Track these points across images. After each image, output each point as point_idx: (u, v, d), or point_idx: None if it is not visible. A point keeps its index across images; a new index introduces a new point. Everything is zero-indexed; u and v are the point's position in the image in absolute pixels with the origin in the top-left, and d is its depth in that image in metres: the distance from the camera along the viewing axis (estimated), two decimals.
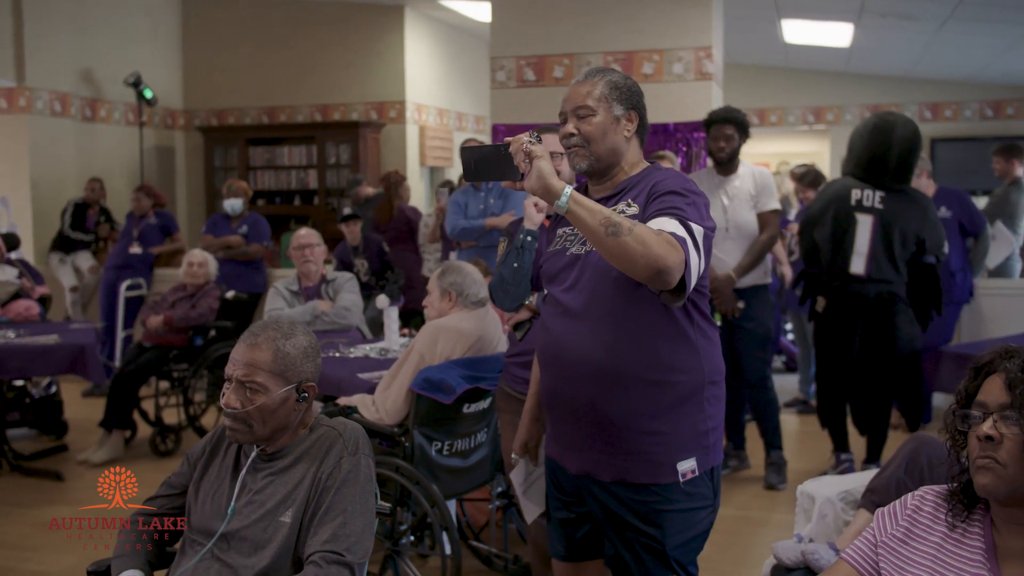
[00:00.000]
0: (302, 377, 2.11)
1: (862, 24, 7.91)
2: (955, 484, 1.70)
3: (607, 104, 2.26)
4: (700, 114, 6.17)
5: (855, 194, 4.75)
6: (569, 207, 2.03)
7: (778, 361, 7.77)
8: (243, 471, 2.10)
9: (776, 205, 4.93)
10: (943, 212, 5.66)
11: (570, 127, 2.27)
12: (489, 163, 2.11)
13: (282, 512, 2.03)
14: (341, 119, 9.43)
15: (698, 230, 2.09)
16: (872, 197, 4.72)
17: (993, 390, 1.61)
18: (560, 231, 2.39)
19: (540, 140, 2.09)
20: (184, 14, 9.82)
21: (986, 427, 1.58)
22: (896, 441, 5.47)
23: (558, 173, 2.11)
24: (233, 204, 7.04)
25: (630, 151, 2.32)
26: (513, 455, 2.69)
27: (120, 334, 7.04)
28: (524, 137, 2.07)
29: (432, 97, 9.93)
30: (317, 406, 3.45)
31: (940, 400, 6.34)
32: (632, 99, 2.31)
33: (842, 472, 4.83)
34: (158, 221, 7.45)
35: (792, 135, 11.72)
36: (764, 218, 4.86)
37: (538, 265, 2.97)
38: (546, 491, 2.52)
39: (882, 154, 4.71)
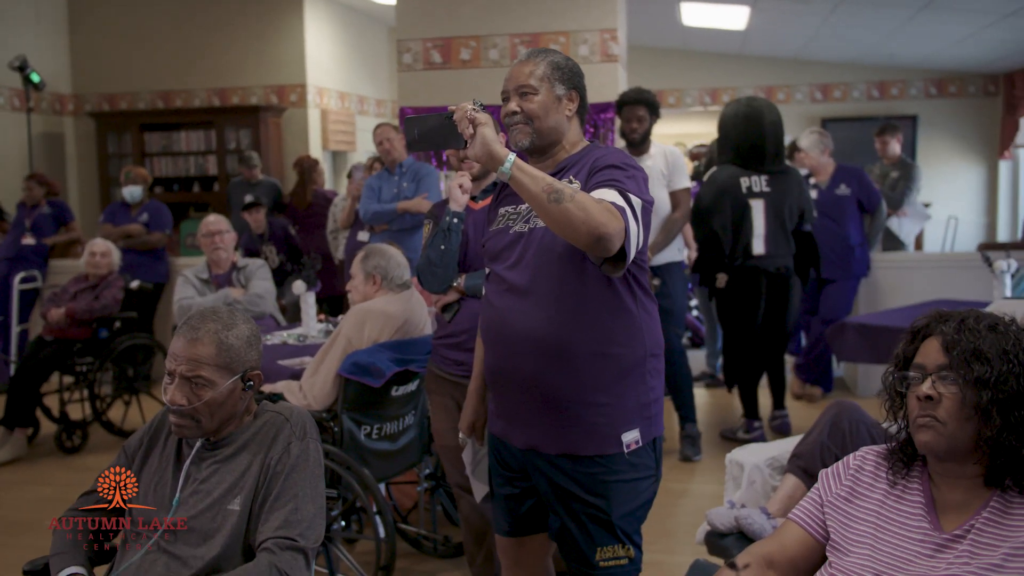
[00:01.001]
0: (247, 366, 2.07)
1: (758, 7, 8.11)
2: (894, 443, 1.78)
3: (549, 83, 2.30)
4: (607, 96, 6.26)
5: (744, 182, 5.03)
6: (513, 173, 2.05)
7: (684, 337, 7.93)
8: (187, 462, 2.05)
9: (687, 183, 5.05)
10: (843, 189, 5.89)
11: (512, 105, 2.30)
12: (433, 132, 2.12)
13: (230, 500, 1.99)
14: (240, 103, 9.20)
15: (637, 201, 2.14)
16: (759, 182, 5.03)
17: (930, 352, 1.68)
18: (502, 210, 2.40)
19: (484, 108, 2.11)
20: None
21: (925, 387, 1.65)
22: (798, 410, 5.73)
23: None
24: (132, 191, 6.82)
25: (571, 130, 2.36)
26: (461, 436, 2.70)
27: (15, 329, 6.75)
28: (468, 105, 2.09)
29: (333, 80, 9.78)
30: None
31: (842, 371, 6.61)
32: (573, 79, 2.35)
33: (754, 439, 5.01)
34: (51, 211, 7.15)
35: (689, 116, 11.94)
36: (676, 196, 4.97)
37: (482, 244, 2.99)
38: (489, 468, 2.53)
39: (760, 142, 5.05)
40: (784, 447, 2.89)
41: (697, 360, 6.99)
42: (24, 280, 6.83)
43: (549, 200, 2.02)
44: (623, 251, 2.09)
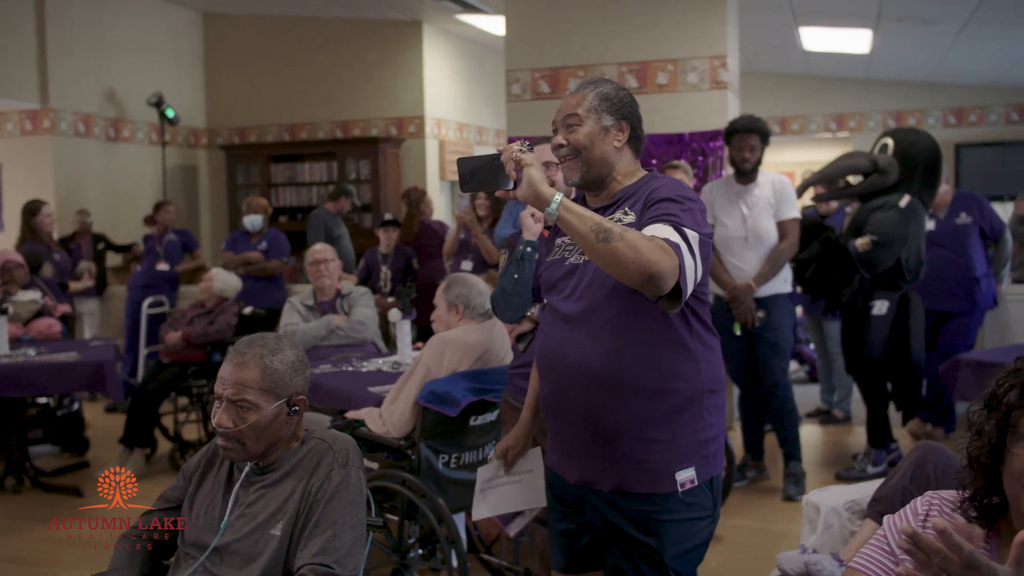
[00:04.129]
0: (292, 391, 2.11)
1: (880, 29, 7.85)
2: (972, 496, 1.61)
3: (596, 114, 2.27)
4: (715, 123, 6.17)
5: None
6: (560, 214, 2.04)
7: (801, 371, 7.69)
8: (236, 486, 2.11)
9: (796, 213, 4.91)
10: (963, 218, 5.61)
11: (559, 138, 2.29)
12: (482, 173, 2.14)
13: (273, 525, 2.03)
14: (361, 135, 9.49)
15: (693, 236, 2.09)
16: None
17: None
18: (558, 241, 2.39)
19: (532, 149, 2.11)
20: (206, 34, 9.94)
21: None
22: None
23: (552, 184, 2.13)
24: (253, 220, 7.09)
25: (622, 161, 2.32)
26: (491, 454, 2.71)
27: (143, 351, 7.10)
28: (515, 146, 2.10)
29: (451, 111, 9.97)
30: (323, 419, 3.47)
31: (962, 408, 6.26)
32: (623, 109, 2.31)
33: (881, 473, 4.84)
34: (178, 239, 7.52)
35: (814, 143, 11.63)
36: (784, 226, 4.84)
37: (538, 275, 2.98)
38: (547, 502, 2.50)
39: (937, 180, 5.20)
40: (865, 490, 2.75)
41: (811, 395, 6.76)
42: (152, 305, 7.19)
43: (598, 240, 2.00)
44: (679, 288, 2.05)
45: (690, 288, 2.08)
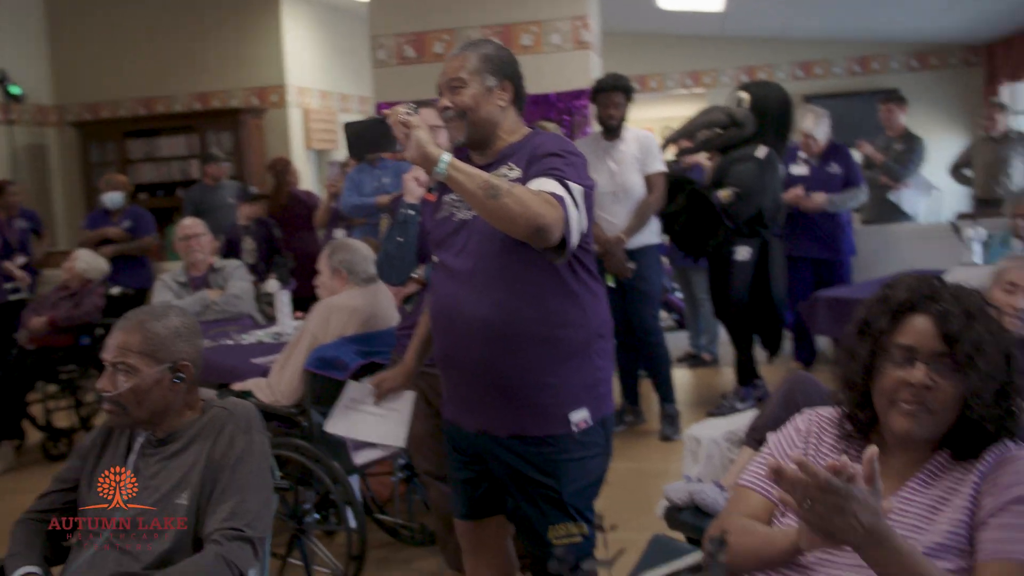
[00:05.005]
0: (175, 357, 2.11)
1: None
2: (849, 411, 1.73)
3: (479, 76, 2.32)
4: (580, 83, 6.29)
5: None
6: (448, 173, 2.09)
7: (670, 319, 7.96)
8: (133, 457, 2.09)
9: (662, 167, 5.07)
10: (834, 168, 5.84)
11: (445, 100, 2.33)
12: (369, 136, 2.17)
13: (178, 495, 2.03)
14: (221, 106, 9.22)
15: (577, 188, 2.17)
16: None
17: (921, 335, 1.60)
18: (446, 198, 2.44)
19: (417, 111, 2.14)
20: (49, 5, 9.45)
21: (920, 375, 1.58)
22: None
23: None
24: (112, 198, 6.81)
25: (507, 119, 2.38)
26: (366, 379, 2.82)
27: None
28: (401, 109, 2.13)
29: (314, 80, 9.80)
30: (209, 394, 3.44)
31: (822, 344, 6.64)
32: (505, 69, 2.37)
33: (759, 397, 5.11)
34: (28, 224, 7.12)
35: (672, 99, 11.95)
36: (651, 180, 5.00)
37: (426, 234, 3.03)
38: (448, 453, 2.57)
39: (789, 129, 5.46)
40: (741, 422, 2.92)
41: (680, 341, 7.02)
42: (12, 292, 6.85)
43: (486, 196, 2.07)
44: (565, 238, 2.13)
45: (575, 239, 2.17)
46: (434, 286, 2.43)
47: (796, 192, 5.68)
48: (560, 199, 2.11)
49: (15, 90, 8.33)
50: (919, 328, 1.62)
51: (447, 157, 2.11)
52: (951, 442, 1.63)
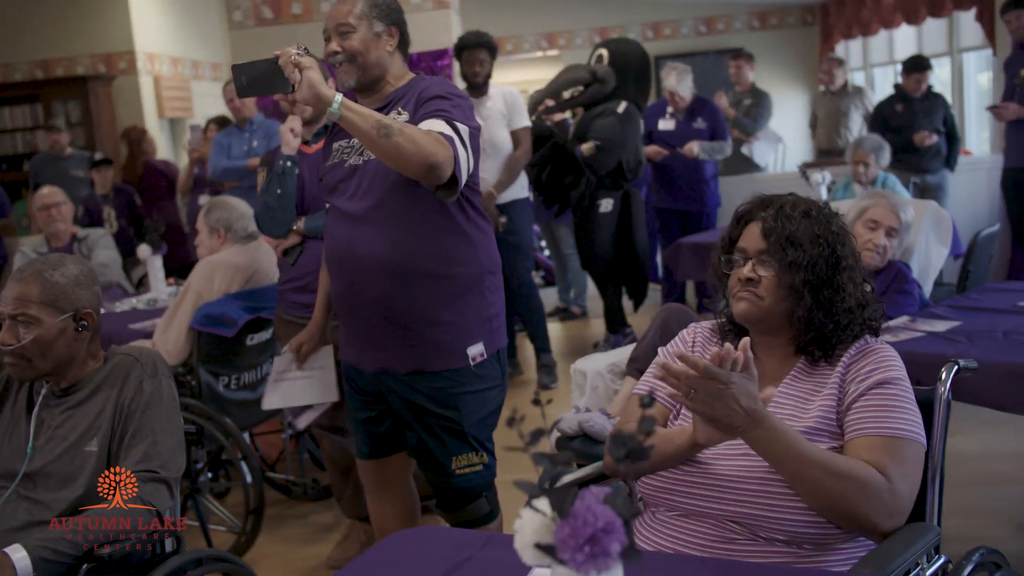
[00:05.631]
0: (77, 306, 2.10)
1: None
2: (723, 318, 1.95)
3: (368, 21, 2.37)
4: (441, 42, 6.34)
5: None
6: (341, 113, 2.14)
7: (537, 276, 8.15)
8: (36, 408, 2.08)
9: (527, 122, 5.19)
10: (699, 123, 6.07)
11: (333, 45, 2.37)
12: (261, 78, 2.18)
13: (87, 442, 2.04)
14: (65, 74, 8.81)
15: (464, 129, 2.26)
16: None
17: (751, 237, 1.84)
18: (336, 144, 2.48)
19: (308, 52, 2.18)
20: None
21: (746, 270, 1.81)
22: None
23: None
24: None
25: (394, 64, 2.44)
26: (284, 348, 2.84)
27: None
28: (292, 50, 2.16)
29: (164, 46, 9.47)
30: None
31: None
32: (391, 15, 2.43)
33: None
34: None
35: (529, 63, 12.11)
36: (518, 135, 5.11)
37: (302, 188, 3.07)
38: (347, 395, 2.64)
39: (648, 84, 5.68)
40: (623, 354, 3.09)
41: (549, 297, 7.22)
42: None
43: (379, 136, 2.13)
44: (455, 177, 2.22)
45: (464, 177, 2.27)
46: (329, 230, 2.48)
47: (656, 148, 5.91)
48: (449, 139, 2.20)
49: None
50: (750, 233, 1.85)
51: (339, 97, 2.16)
52: (805, 349, 1.82)
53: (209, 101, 10.18)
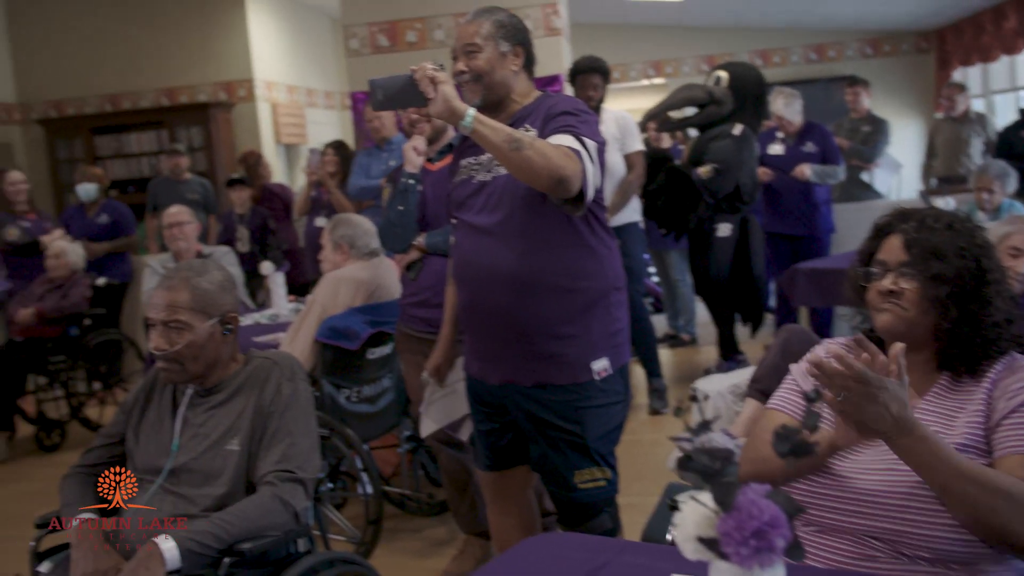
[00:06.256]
0: (223, 310, 2.19)
1: None
2: (858, 333, 1.91)
3: (494, 41, 2.42)
4: (552, 69, 6.41)
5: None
6: (474, 126, 2.19)
7: (647, 302, 8.08)
8: (182, 407, 2.17)
9: (640, 146, 5.20)
10: (809, 147, 5.97)
11: (460, 65, 2.42)
12: (398, 93, 2.24)
13: (228, 441, 2.11)
14: (189, 101, 9.20)
15: (591, 144, 2.29)
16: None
17: (892, 249, 1.80)
18: (464, 162, 2.53)
19: (443, 68, 2.24)
20: (8, 3, 9.36)
21: (887, 282, 1.78)
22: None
23: None
24: (87, 189, 6.74)
25: (519, 83, 2.49)
26: (423, 375, 2.86)
27: None
28: (428, 65, 2.22)
29: (281, 74, 9.82)
30: None
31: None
32: (517, 35, 2.47)
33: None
34: None
35: (635, 91, 12.12)
36: (631, 159, 5.13)
37: (423, 204, 3.14)
38: (470, 407, 2.67)
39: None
40: (745, 375, 3.04)
41: (659, 323, 7.16)
42: None
43: (510, 148, 2.17)
44: (582, 192, 2.24)
45: (591, 192, 2.29)
46: (457, 243, 2.53)
47: (765, 170, 5.83)
48: (577, 153, 2.23)
49: None
50: (891, 245, 1.81)
51: (472, 111, 2.20)
52: (949, 364, 1.77)
53: (323, 128, 10.50)
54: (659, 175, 5.43)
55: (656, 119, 5.72)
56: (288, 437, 2.09)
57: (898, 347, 1.58)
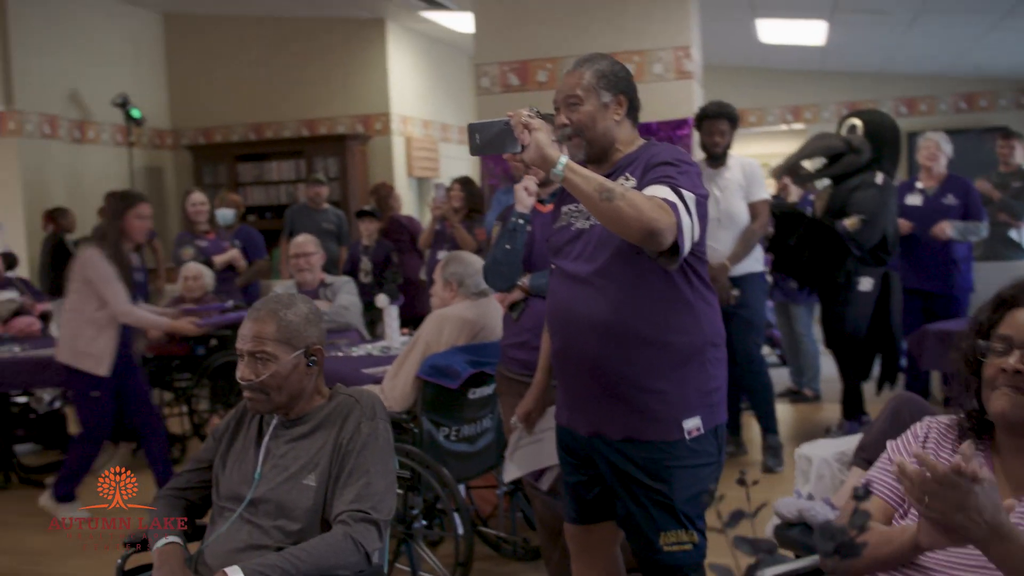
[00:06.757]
0: (308, 342, 2.21)
1: (835, 21, 8.08)
2: (963, 413, 1.76)
3: (595, 92, 2.38)
4: (682, 113, 6.34)
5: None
6: (565, 175, 2.16)
7: (773, 355, 7.86)
8: (266, 437, 2.21)
9: (766, 195, 5.07)
10: (950, 199, 5.68)
11: (562, 118, 2.40)
12: (493, 137, 2.24)
13: (305, 475, 2.13)
14: (327, 133, 9.54)
15: (690, 196, 2.22)
16: None
17: (1018, 324, 1.67)
18: (564, 208, 2.51)
19: (539, 114, 2.22)
20: (167, 35, 9.94)
21: (1013, 360, 1.63)
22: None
23: None
24: (224, 214, 7.06)
25: (622, 132, 2.44)
26: (513, 419, 2.83)
27: None
28: (524, 111, 2.21)
29: (416, 109, 10.06)
30: None
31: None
32: (620, 84, 2.43)
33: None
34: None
35: (771, 136, 11.88)
36: (755, 207, 5.00)
37: (531, 245, 3.12)
38: (552, 457, 2.62)
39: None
40: (852, 443, 2.90)
41: (781, 377, 6.94)
42: None
43: (601, 199, 2.13)
44: (677, 244, 2.18)
45: (688, 245, 2.22)
46: (552, 290, 2.50)
47: (904, 222, 5.57)
48: (673, 205, 2.17)
49: (136, 114, 8.77)
50: (1015, 319, 1.67)
51: (564, 159, 2.18)
52: None
53: (456, 163, 10.68)
54: (796, 229, 5.26)
55: (791, 172, 5.55)
56: (364, 476, 2.09)
57: (967, 448, 1.45)
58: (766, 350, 7.01)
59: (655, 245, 2.15)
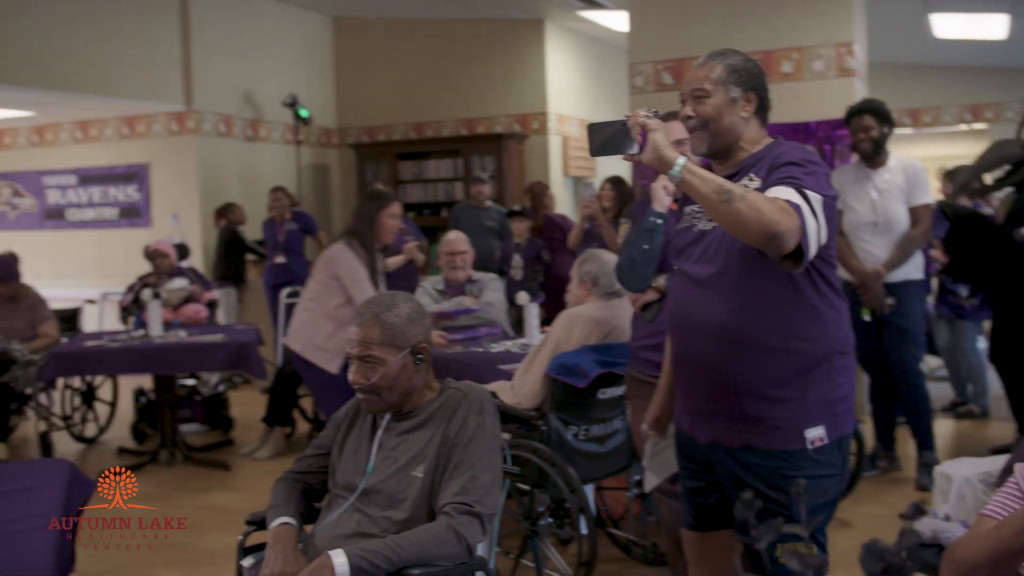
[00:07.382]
0: (413, 341, 2.25)
1: (1018, 13, 7.58)
2: None
3: (724, 86, 2.32)
4: (842, 111, 6.09)
5: None
6: (683, 176, 2.11)
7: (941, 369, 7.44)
8: (379, 431, 2.26)
9: (929, 199, 4.80)
10: None
11: (687, 110, 2.35)
12: (610, 138, 2.22)
13: (414, 467, 2.18)
14: (485, 132, 9.70)
15: (815, 198, 2.13)
16: None
17: None
18: (687, 209, 2.46)
19: (657, 115, 2.19)
20: (336, 37, 10.34)
21: None
22: None
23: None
24: None
25: (749, 130, 2.36)
26: (644, 426, 2.78)
27: (281, 339, 7.42)
28: (641, 112, 2.17)
29: (573, 108, 10.08)
30: None
31: None
32: (751, 80, 2.35)
33: None
34: (298, 225, 7.78)
35: (948, 136, 11.27)
36: (916, 212, 4.75)
37: (666, 246, 3.06)
38: (677, 462, 2.58)
39: None
40: (999, 462, 2.72)
41: (945, 390, 6.57)
42: (290, 295, 7.51)
43: (720, 200, 2.07)
44: (801, 248, 2.10)
45: (812, 248, 2.13)
46: (673, 292, 2.46)
47: None
48: (796, 207, 2.08)
49: (304, 113, 9.17)
50: None
51: (682, 160, 2.13)
52: None
53: (612, 162, 10.60)
54: (975, 234, 4.94)
55: (971, 189, 5.24)
56: (470, 470, 2.11)
57: None
58: (937, 362, 6.65)
59: (777, 248, 2.08)
